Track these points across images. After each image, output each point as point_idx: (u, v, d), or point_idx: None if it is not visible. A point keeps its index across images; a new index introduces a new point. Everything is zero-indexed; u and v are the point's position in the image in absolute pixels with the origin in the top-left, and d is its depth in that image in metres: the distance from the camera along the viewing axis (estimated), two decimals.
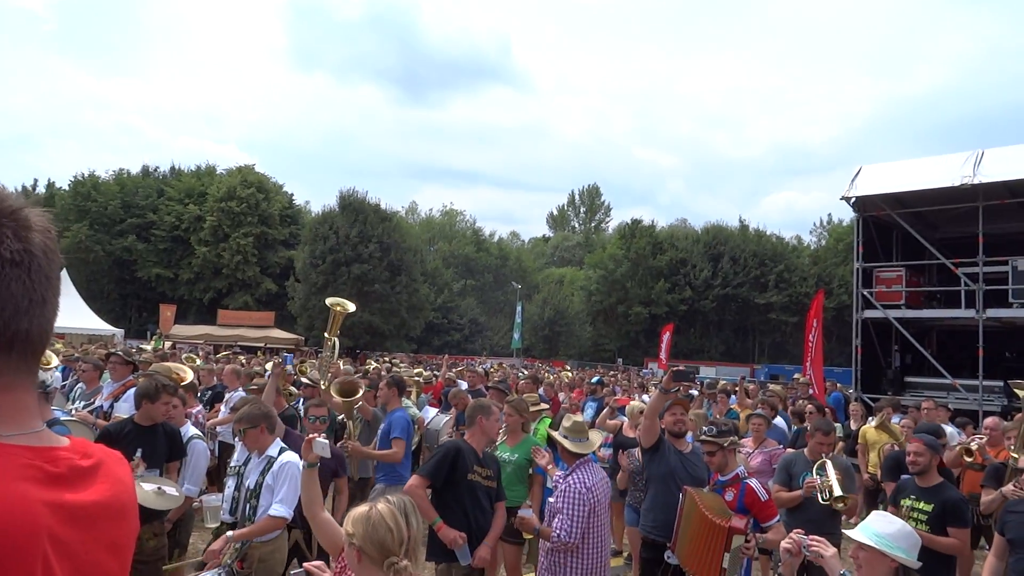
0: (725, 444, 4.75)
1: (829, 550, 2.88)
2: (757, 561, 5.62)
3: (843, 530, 3.99)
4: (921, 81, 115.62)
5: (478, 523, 4.57)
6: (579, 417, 4.96)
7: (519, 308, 45.60)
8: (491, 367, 17.49)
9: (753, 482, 4.65)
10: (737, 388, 12.64)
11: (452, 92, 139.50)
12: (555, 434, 4.72)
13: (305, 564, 2.53)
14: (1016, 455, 5.21)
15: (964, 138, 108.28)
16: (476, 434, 4.73)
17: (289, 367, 9.98)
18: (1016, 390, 5.91)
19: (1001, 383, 13.11)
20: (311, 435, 3.35)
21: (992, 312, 13.26)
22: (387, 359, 25.47)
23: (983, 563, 4.39)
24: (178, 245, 51.84)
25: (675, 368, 5.54)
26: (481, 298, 62.51)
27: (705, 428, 4.90)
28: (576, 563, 4.51)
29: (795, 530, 3.03)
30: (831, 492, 5.05)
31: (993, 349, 14.02)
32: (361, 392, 7.42)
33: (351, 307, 7.13)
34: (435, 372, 14.90)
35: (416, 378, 12.62)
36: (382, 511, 2.44)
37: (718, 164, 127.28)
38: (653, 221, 61.07)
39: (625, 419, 8.14)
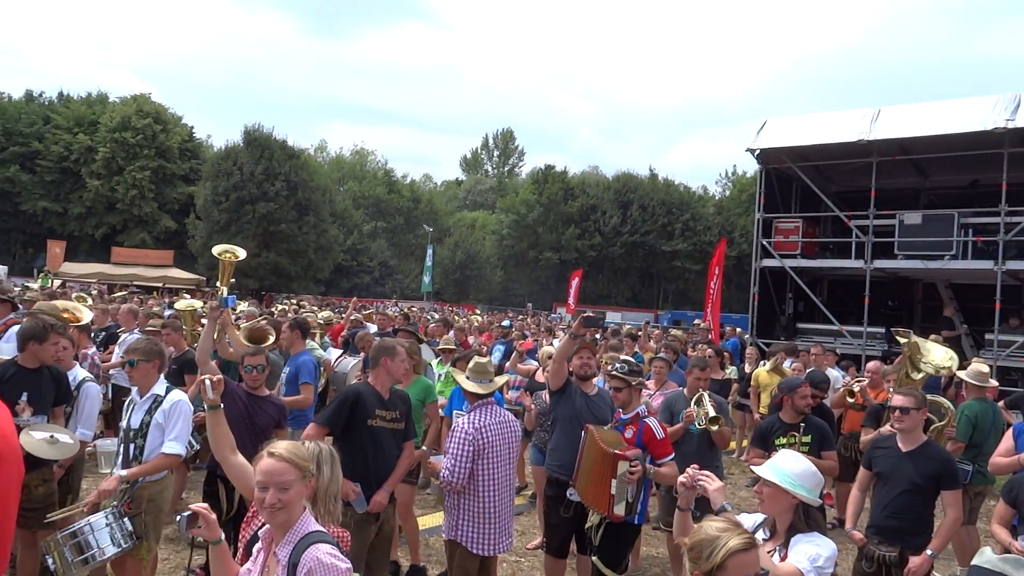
0: (634, 383, 4.91)
1: (715, 483, 3.04)
2: (654, 496, 5.88)
3: (753, 467, 4.25)
4: (833, 38, 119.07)
5: (379, 469, 4.56)
6: (484, 359, 4.98)
7: (430, 251, 45.34)
8: (404, 310, 17.36)
9: (651, 421, 4.83)
10: (641, 333, 13.04)
11: (364, 25, 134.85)
12: (458, 375, 4.71)
13: (192, 506, 2.47)
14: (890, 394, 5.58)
15: (867, 95, 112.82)
16: (380, 375, 4.66)
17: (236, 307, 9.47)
18: (898, 336, 6.30)
19: (883, 329, 14.00)
20: (202, 377, 3.24)
21: (879, 263, 14.05)
22: (294, 301, 24.93)
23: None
24: (67, 177, 48.73)
25: (585, 314, 5.65)
26: (392, 240, 61.68)
27: (617, 365, 5.03)
28: (470, 504, 4.51)
29: (692, 465, 3.18)
30: (706, 416, 5.37)
31: (877, 297, 14.91)
32: (271, 340, 7.17)
33: (241, 254, 6.79)
34: (342, 315, 14.69)
35: (320, 320, 12.42)
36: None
37: (630, 113, 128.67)
38: (565, 168, 61.48)
39: (534, 363, 8.29)
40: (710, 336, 14.03)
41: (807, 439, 5.43)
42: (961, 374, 6.77)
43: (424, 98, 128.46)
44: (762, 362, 10.49)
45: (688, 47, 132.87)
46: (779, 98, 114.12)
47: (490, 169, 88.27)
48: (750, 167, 52.41)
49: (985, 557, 2.25)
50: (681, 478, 3.09)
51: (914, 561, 4.34)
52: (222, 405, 3.26)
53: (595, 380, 5.59)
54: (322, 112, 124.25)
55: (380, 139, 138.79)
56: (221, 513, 4.76)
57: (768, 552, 2.94)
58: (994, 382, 7.00)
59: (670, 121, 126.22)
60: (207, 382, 3.17)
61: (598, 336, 11.60)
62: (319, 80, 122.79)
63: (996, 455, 5.34)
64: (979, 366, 6.68)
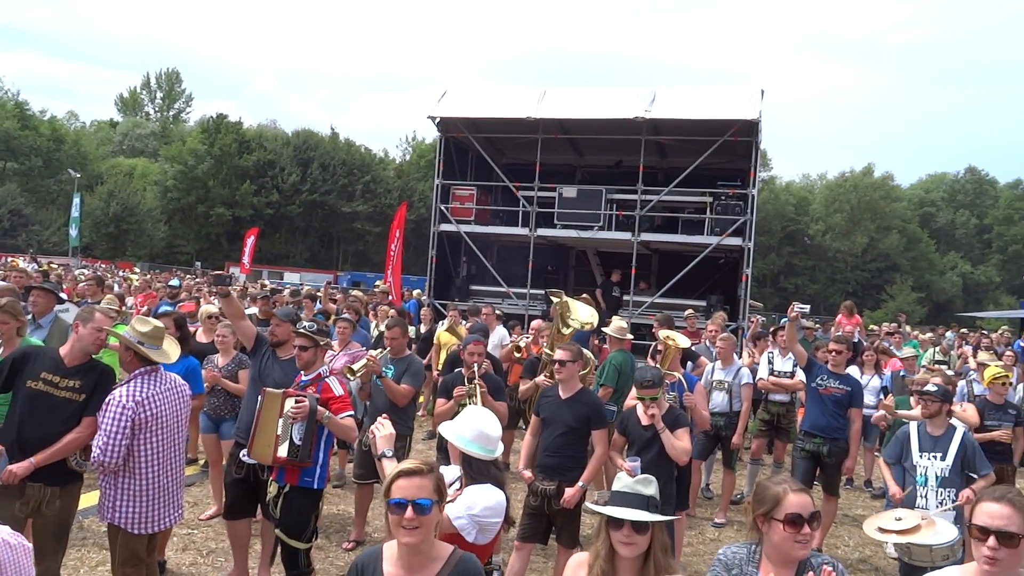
0: (321, 342, 4.89)
1: (384, 431, 3.27)
2: (335, 456, 5.95)
3: (439, 429, 4.49)
4: (506, 18, 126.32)
5: (30, 436, 4.00)
6: (157, 322, 4.56)
7: (77, 200, 39.63)
8: (43, 267, 15.07)
9: (332, 380, 4.85)
10: (321, 293, 12.91)
11: None
12: (127, 338, 4.24)
13: None
14: (548, 351, 6.23)
15: (538, 73, 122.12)
16: (71, 341, 4.21)
17: None
18: (552, 296, 7.10)
19: (543, 291, 15.51)
20: None
21: (541, 231, 15.46)
22: None
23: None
24: None
25: (212, 272, 5.52)
26: (27, 185, 52.93)
27: (306, 323, 4.94)
28: (129, 482, 4.11)
29: (382, 415, 3.35)
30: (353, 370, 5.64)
31: (540, 262, 16.45)
32: None
33: None
34: None
35: None
36: None
37: (312, 67, 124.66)
38: (240, 118, 57.78)
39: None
40: (390, 297, 14.34)
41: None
42: (606, 330, 7.81)
43: (70, 21, 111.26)
44: (440, 322, 11.01)
45: (372, 3, 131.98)
46: (460, 68, 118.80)
47: (152, 112, 79.77)
48: (429, 134, 54.05)
49: (622, 482, 2.66)
50: (373, 428, 3.26)
51: (568, 492, 4.97)
52: None
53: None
54: None
55: (10, 64, 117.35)
56: None
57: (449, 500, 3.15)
58: (631, 336, 8.19)
59: (352, 79, 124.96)
60: None
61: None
62: None
63: None
64: (620, 323, 7.76)
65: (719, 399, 7.40)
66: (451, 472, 3.29)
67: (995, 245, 59.74)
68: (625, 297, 14.92)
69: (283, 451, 4.43)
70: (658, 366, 5.99)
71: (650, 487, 2.63)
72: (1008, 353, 11.35)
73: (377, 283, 18.22)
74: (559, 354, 5.16)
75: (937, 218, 61.30)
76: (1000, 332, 18.90)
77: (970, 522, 2.55)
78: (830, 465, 6.54)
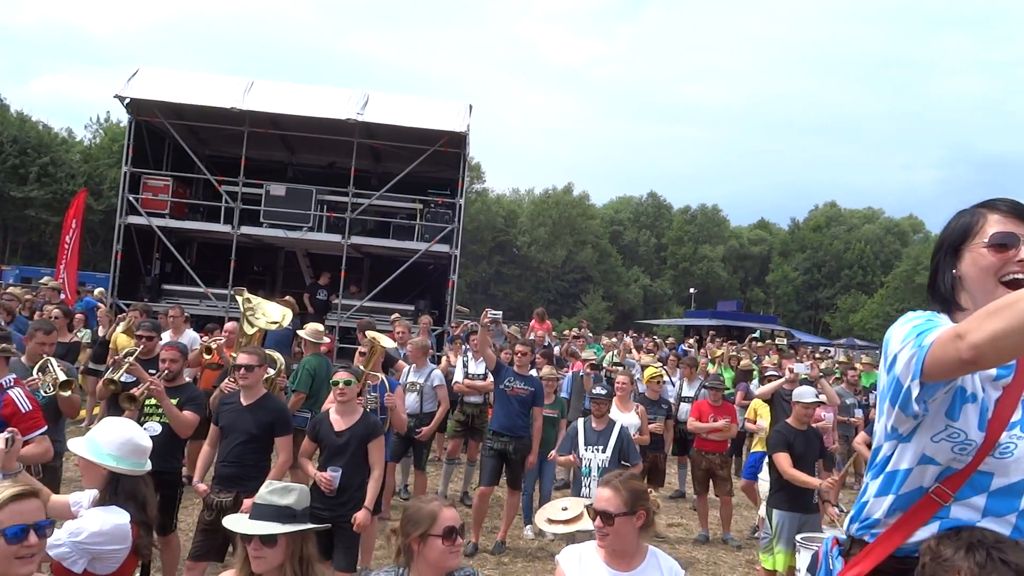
0: None
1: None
2: None
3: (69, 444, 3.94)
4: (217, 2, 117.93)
5: None
6: None
7: None
8: None
9: (15, 391, 4.12)
10: None
11: None
12: None
13: None
14: (235, 354, 5.84)
15: (245, 65, 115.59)
16: None
17: None
18: (236, 295, 6.72)
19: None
20: None
21: (246, 229, 14.64)
22: None
23: None
24: None
25: None
26: None
27: None
28: None
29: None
30: (55, 382, 4.94)
31: (244, 262, 15.57)
32: None
33: None
34: None
35: None
36: None
37: None
38: None
39: None
40: (62, 296, 12.61)
41: (175, 400, 5.32)
42: (301, 333, 7.57)
43: None
44: (117, 324, 9.90)
45: None
46: (160, 48, 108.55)
47: None
48: (125, 116, 48.70)
49: (261, 492, 2.57)
50: None
51: (360, 516, 4.80)
52: None
53: None
54: None
55: None
56: None
57: None
58: (328, 338, 8.04)
59: (32, 46, 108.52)
60: None
61: None
62: None
63: None
64: (316, 326, 7.58)
65: (411, 400, 7.53)
66: (84, 496, 2.92)
67: (669, 262, 68.48)
68: (334, 300, 14.68)
69: None
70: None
71: (288, 496, 2.53)
72: (672, 357, 12.99)
73: (45, 278, 15.94)
74: (242, 358, 4.87)
75: (624, 236, 68.76)
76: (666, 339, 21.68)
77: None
78: (515, 462, 6.95)
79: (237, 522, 2.47)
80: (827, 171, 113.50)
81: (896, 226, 68.58)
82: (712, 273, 65.70)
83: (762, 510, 6.55)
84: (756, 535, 7.56)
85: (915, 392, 1.62)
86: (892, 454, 1.80)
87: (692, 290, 57.33)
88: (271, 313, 5.79)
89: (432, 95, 60.99)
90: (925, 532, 1.71)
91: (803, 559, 5.11)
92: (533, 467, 7.17)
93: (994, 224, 1.74)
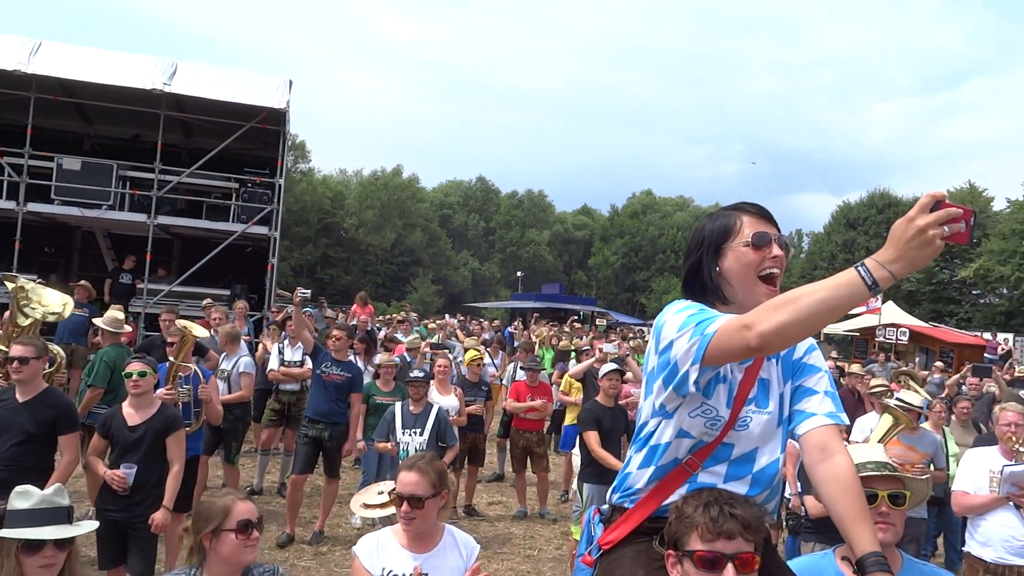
0: None
1: None
2: None
3: None
4: None
5: None
6: None
7: None
8: None
9: None
10: None
11: None
12: None
13: None
14: (3, 347, 5.24)
15: (33, 25, 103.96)
16: None
17: None
18: (5, 280, 6.04)
19: (35, 276, 13.30)
20: None
21: (34, 206, 13.24)
22: None
23: None
24: None
25: None
26: None
27: None
28: None
29: None
30: None
31: (33, 242, 14.09)
32: None
33: None
34: None
35: None
36: None
37: None
38: None
39: None
40: None
41: None
42: (97, 322, 6.99)
43: None
44: None
45: None
46: None
47: None
48: None
49: (27, 495, 2.36)
50: None
51: (158, 516, 4.54)
52: None
53: None
54: None
55: None
56: None
57: None
58: (128, 327, 7.47)
59: None
60: None
61: None
62: None
63: None
64: (115, 313, 7.01)
65: (221, 389, 7.18)
66: None
67: (497, 246, 69.75)
68: (139, 285, 13.63)
69: None
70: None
71: (64, 496, 2.36)
72: (496, 340, 13.30)
73: None
74: (15, 350, 4.40)
75: (453, 219, 69.14)
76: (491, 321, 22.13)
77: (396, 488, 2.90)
78: (331, 449, 6.82)
79: (23, 531, 2.22)
80: (643, 160, 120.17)
81: (704, 213, 73.80)
82: (538, 256, 67.69)
83: (575, 483, 6.88)
84: (568, 504, 7.92)
85: (693, 376, 1.79)
86: (655, 430, 1.97)
87: (519, 273, 58.76)
88: (50, 302, 5.24)
89: (250, 68, 58.17)
90: (676, 496, 1.89)
91: None
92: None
93: (749, 225, 1.97)
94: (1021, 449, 4.47)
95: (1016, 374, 13.21)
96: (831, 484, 1.86)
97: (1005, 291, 41.60)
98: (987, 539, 4.41)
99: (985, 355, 23.47)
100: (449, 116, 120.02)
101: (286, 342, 8.39)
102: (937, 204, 1.53)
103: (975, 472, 4.58)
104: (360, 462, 8.00)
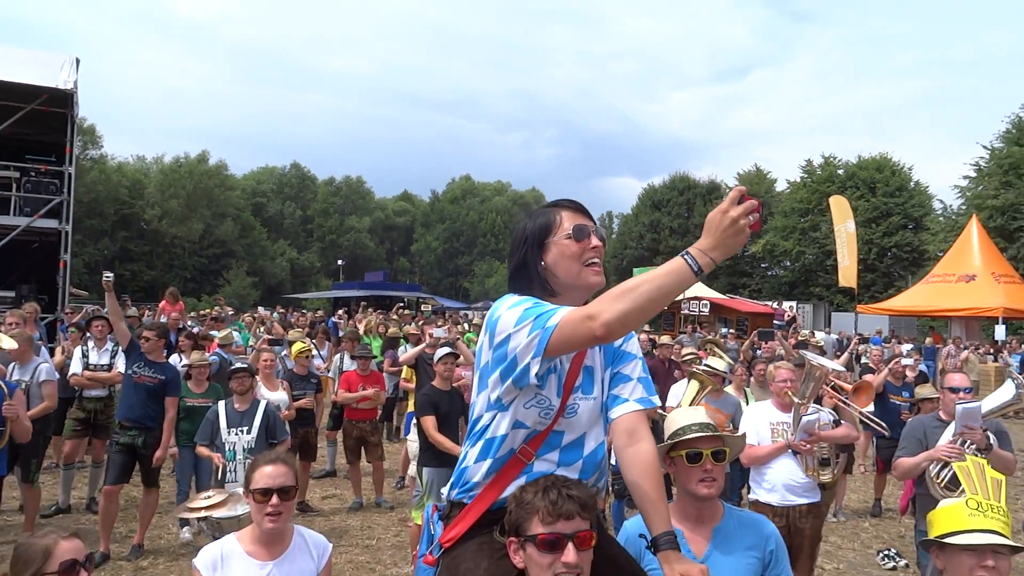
0: None
1: None
2: None
3: None
4: None
5: None
6: None
7: None
8: None
9: None
10: None
11: None
12: None
13: None
14: None
15: None
16: None
17: None
18: None
19: None
20: None
21: None
22: None
23: None
24: None
25: None
26: None
27: None
28: None
29: None
30: None
31: None
32: None
33: None
34: None
35: None
36: None
37: None
38: None
39: None
40: None
41: None
42: None
43: None
44: None
45: None
46: None
47: None
48: None
49: None
50: None
51: None
52: None
53: None
54: None
55: None
56: None
57: None
58: None
59: None
60: None
61: None
62: None
63: None
64: None
65: None
66: None
67: (316, 234, 67.56)
68: None
69: None
70: None
71: None
72: (320, 331, 12.90)
73: None
74: None
75: (268, 208, 66.05)
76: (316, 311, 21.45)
77: (251, 487, 2.74)
78: (146, 456, 6.36)
79: None
80: (462, 145, 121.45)
81: (521, 198, 75.76)
82: (360, 244, 66.44)
83: (411, 469, 6.88)
84: (405, 490, 7.92)
85: (534, 368, 1.85)
86: (491, 423, 2.02)
87: (340, 262, 57.38)
88: None
89: (27, 45, 52.06)
90: (513, 487, 1.96)
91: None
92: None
93: (568, 220, 2.08)
94: (797, 400, 4.93)
95: (799, 337, 14.82)
96: (635, 467, 2.02)
97: (788, 263, 46.38)
98: (772, 485, 4.83)
99: (774, 321, 26.11)
100: (259, 100, 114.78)
101: (91, 344, 7.68)
102: (742, 197, 1.74)
103: (757, 425, 5.00)
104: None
